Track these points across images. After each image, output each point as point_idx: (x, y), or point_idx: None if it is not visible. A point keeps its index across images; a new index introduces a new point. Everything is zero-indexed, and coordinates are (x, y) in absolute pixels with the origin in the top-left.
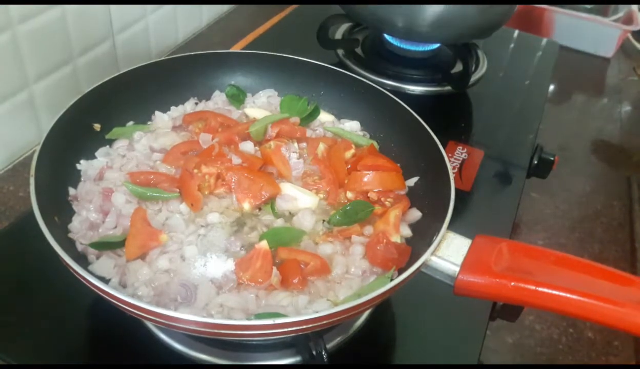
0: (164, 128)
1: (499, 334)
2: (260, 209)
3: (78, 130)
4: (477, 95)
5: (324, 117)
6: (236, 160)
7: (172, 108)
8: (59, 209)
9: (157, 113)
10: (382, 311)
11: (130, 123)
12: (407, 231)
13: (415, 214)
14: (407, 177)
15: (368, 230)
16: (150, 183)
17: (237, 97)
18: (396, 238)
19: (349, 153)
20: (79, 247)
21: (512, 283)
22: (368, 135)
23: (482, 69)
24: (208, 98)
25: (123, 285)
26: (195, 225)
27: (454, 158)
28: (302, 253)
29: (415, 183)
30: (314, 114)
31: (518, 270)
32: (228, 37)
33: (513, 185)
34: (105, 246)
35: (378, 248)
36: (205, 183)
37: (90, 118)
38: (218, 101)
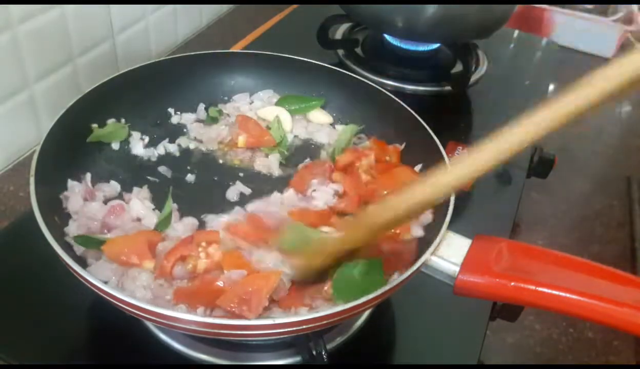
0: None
1: (499, 334)
2: None
3: (78, 130)
4: (477, 95)
5: (323, 118)
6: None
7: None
8: (59, 209)
9: (133, 134)
10: (382, 311)
11: (118, 120)
12: (419, 232)
13: (427, 217)
14: None
15: None
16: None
17: (215, 119)
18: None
19: (365, 161)
20: (78, 251)
21: (512, 283)
22: (365, 136)
23: (482, 69)
24: (208, 99)
25: (121, 288)
26: None
27: (454, 158)
28: None
29: None
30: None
31: (518, 270)
32: (228, 37)
33: (513, 185)
34: (90, 242)
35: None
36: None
37: (90, 118)
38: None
